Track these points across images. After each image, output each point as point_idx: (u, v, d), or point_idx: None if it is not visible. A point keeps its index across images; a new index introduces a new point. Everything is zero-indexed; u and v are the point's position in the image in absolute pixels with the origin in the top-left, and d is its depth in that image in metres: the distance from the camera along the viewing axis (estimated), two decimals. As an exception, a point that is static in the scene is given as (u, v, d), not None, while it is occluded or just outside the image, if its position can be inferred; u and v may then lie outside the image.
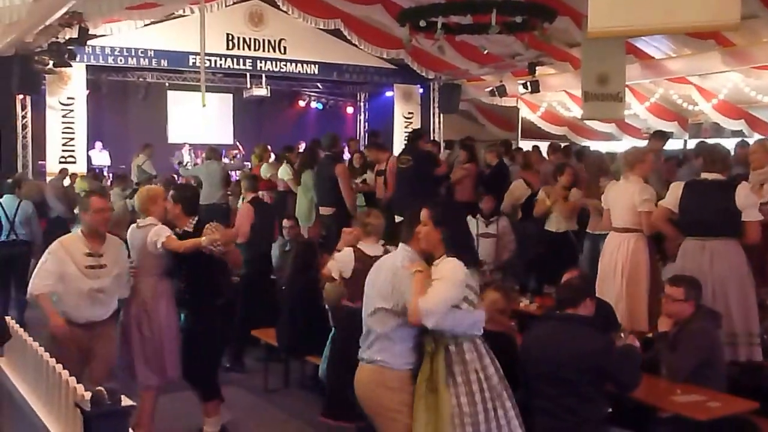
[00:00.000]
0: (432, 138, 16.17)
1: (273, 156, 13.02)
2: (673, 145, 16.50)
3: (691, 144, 15.87)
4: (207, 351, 5.86)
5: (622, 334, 4.82)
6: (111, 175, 15.90)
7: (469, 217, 8.72)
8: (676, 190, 6.12)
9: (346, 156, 13.60)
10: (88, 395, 2.89)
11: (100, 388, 2.85)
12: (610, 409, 4.61)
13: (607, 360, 4.44)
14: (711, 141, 11.16)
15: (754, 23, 11.69)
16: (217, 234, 5.47)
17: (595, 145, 16.71)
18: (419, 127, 11.11)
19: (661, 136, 10.70)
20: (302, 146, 13.67)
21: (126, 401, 2.86)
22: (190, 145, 18.74)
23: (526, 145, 16.56)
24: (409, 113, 18.07)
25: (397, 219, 8.30)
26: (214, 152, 12.89)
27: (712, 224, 5.85)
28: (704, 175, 6.05)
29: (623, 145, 15.55)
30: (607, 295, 6.12)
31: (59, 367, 3.42)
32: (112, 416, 2.80)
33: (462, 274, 3.90)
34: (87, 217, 5.49)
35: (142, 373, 5.64)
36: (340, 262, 5.65)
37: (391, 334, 4.01)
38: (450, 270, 3.90)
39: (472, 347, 4.00)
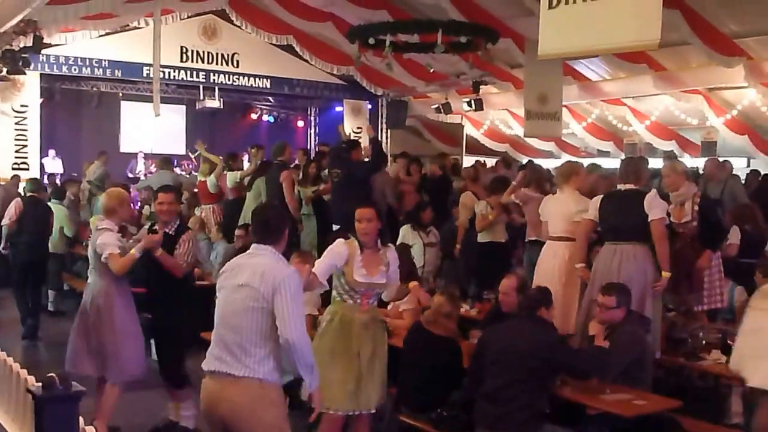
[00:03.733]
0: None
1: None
2: (608, 164, 17.23)
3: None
4: (175, 345, 6.20)
5: None
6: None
7: (409, 228, 8.97)
8: (596, 201, 6.51)
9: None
10: (39, 383, 2.98)
11: (51, 374, 2.94)
12: (548, 410, 5.00)
13: (560, 350, 5.06)
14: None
15: (684, 50, 12.24)
16: (145, 242, 5.82)
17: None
18: (356, 140, 11.20)
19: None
20: (246, 156, 13.81)
21: (76, 386, 2.94)
22: (145, 154, 18.92)
23: (469, 161, 17.09)
24: (358, 128, 18.41)
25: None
26: (166, 162, 13.17)
27: (624, 230, 6.22)
28: (619, 186, 6.45)
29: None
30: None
31: (11, 360, 3.54)
32: (62, 400, 2.88)
33: None
34: None
35: (82, 364, 5.83)
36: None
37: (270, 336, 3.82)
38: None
39: None
